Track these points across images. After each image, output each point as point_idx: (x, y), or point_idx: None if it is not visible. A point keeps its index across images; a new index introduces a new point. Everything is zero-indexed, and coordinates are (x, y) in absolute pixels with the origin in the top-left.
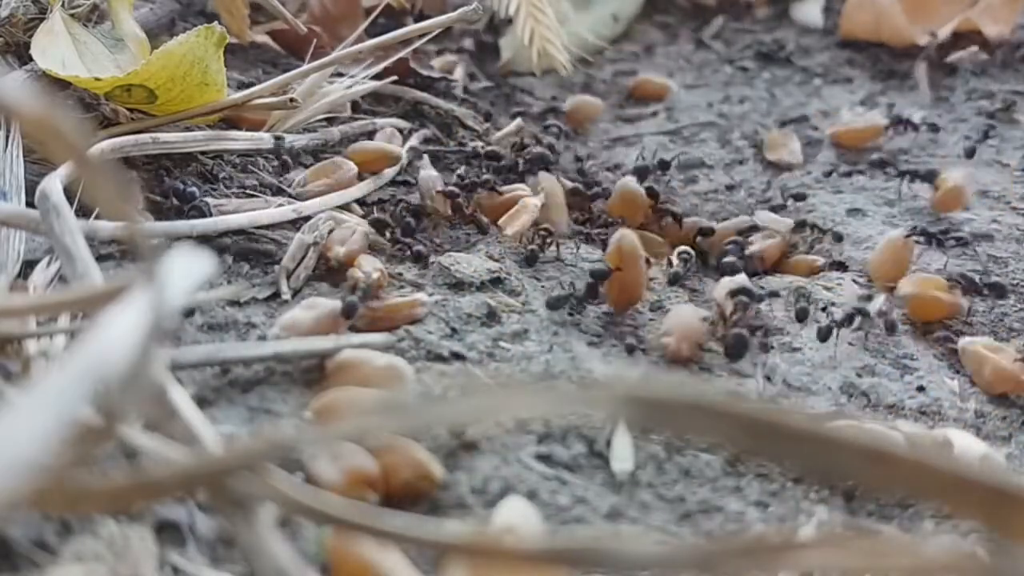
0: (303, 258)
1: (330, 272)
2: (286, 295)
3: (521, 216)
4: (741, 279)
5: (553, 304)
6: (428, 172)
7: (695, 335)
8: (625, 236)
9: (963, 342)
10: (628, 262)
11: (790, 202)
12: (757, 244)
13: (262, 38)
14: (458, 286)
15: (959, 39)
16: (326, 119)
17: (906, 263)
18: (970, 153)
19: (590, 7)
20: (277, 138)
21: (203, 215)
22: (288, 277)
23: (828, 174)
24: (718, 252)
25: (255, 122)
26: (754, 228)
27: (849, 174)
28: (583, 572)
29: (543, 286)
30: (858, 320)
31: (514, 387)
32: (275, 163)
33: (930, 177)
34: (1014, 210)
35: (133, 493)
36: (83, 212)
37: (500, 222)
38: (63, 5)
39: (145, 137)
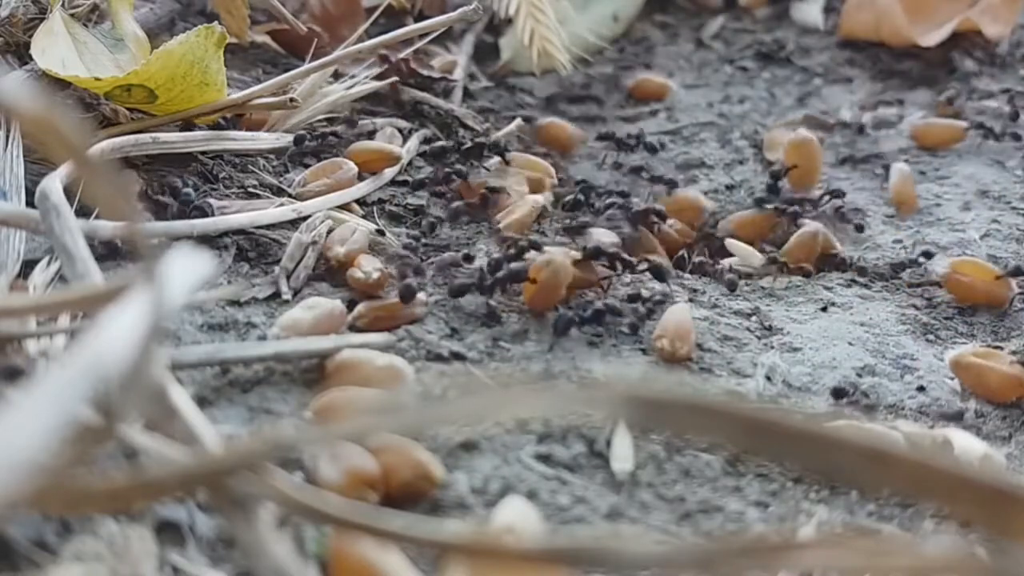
0: (302, 258)
1: (330, 272)
2: (286, 295)
3: (518, 210)
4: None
5: (457, 292)
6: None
7: (689, 335)
8: (553, 262)
9: (952, 355)
10: (546, 283)
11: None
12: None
13: (262, 38)
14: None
15: (959, 39)
16: (326, 119)
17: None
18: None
19: (590, 7)
20: (298, 139)
21: (204, 215)
22: (288, 277)
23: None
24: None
25: (255, 122)
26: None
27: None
28: (583, 572)
29: None
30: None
31: (514, 387)
32: (275, 163)
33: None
34: (1014, 210)
35: (133, 493)
36: (83, 212)
37: (498, 216)
38: (63, 5)
39: (145, 137)
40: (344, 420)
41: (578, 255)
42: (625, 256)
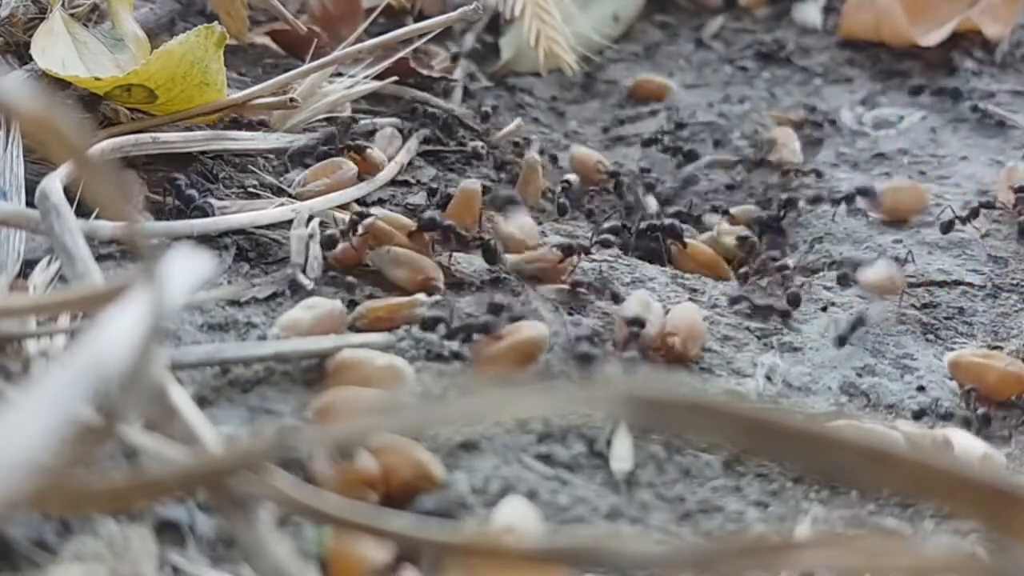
0: (308, 251)
1: (330, 271)
2: (309, 285)
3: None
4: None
5: (426, 325)
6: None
7: (701, 336)
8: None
9: (951, 356)
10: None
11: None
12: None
13: (262, 39)
14: (458, 286)
15: (959, 39)
16: (326, 119)
17: None
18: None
19: (591, 7)
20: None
21: (206, 215)
22: (303, 270)
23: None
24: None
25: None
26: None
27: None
28: (583, 572)
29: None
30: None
31: (514, 387)
32: (275, 163)
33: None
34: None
35: (133, 493)
36: (83, 212)
37: None
38: (63, 5)
39: (145, 137)
40: (344, 420)
41: (413, 226)
42: (459, 231)
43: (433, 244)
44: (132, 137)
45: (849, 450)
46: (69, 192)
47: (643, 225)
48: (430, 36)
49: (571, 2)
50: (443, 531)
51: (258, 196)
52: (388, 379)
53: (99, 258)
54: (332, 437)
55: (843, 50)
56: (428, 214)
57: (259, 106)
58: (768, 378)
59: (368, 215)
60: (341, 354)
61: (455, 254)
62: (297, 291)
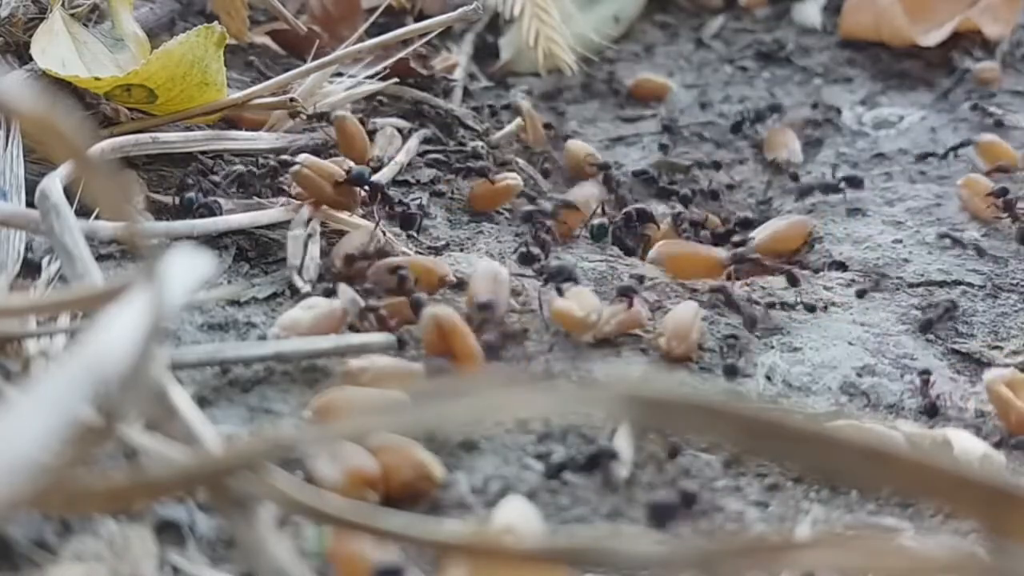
0: (305, 253)
1: (331, 271)
2: (305, 288)
3: None
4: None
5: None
6: None
7: (691, 334)
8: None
9: (989, 376)
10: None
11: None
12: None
13: (262, 38)
14: (458, 286)
15: (959, 39)
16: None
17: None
18: None
19: (591, 7)
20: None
21: (212, 214)
22: (299, 272)
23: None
24: None
25: (255, 122)
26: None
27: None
28: (583, 572)
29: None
30: None
31: (514, 387)
32: (275, 163)
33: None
34: None
35: (133, 493)
36: (83, 212)
37: None
38: (63, 5)
39: (145, 137)
40: (344, 420)
41: (341, 176)
42: (386, 192)
43: (361, 201)
44: (132, 137)
45: (849, 450)
46: (69, 192)
47: (619, 216)
48: (430, 36)
49: (571, 2)
50: (443, 531)
51: (258, 196)
52: (389, 379)
53: (99, 258)
54: (332, 437)
55: (843, 50)
56: (357, 169)
57: (259, 106)
58: (768, 378)
59: (294, 163)
60: (344, 355)
61: (455, 253)
62: (295, 293)
